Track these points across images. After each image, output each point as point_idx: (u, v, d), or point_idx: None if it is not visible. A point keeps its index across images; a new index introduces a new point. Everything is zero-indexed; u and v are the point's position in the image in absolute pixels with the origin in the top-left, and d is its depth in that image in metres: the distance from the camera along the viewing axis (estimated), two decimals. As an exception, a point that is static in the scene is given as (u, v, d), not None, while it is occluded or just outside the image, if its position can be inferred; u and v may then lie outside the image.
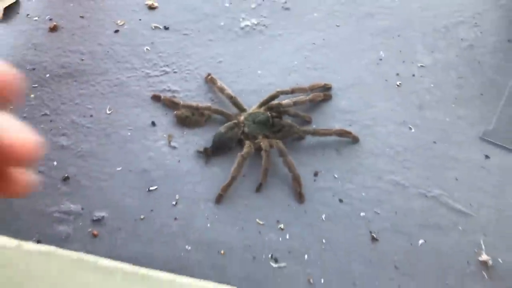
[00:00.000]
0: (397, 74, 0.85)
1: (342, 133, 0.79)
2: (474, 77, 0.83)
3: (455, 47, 0.85)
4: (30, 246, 0.59)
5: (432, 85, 0.82)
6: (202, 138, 0.80)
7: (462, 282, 0.69)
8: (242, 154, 0.76)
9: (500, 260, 0.70)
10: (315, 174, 0.76)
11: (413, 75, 0.83)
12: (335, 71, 0.83)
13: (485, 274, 0.70)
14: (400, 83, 0.84)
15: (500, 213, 0.73)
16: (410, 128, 0.81)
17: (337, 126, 0.80)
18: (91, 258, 0.58)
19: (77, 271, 0.57)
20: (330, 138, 0.78)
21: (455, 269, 0.70)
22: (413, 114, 0.81)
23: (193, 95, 0.82)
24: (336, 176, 0.76)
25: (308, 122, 0.81)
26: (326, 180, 0.75)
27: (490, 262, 0.70)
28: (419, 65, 0.84)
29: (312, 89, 0.82)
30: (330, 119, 0.81)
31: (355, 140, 0.80)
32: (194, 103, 0.80)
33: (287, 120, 0.80)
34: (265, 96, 0.80)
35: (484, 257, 0.71)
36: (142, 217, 0.73)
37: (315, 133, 0.78)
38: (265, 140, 0.78)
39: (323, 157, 0.78)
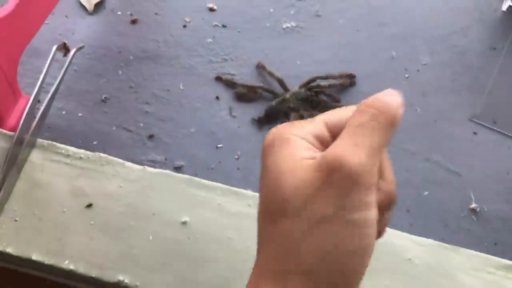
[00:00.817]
0: (406, 69, 0.94)
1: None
2: (464, 74, 1.02)
3: (449, 51, 1.06)
4: (152, 169, 0.79)
5: (432, 79, 1.00)
6: (256, 110, 0.89)
7: (458, 223, 0.89)
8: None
9: (485, 208, 0.89)
10: None
11: (418, 71, 0.94)
12: (357, 65, 0.91)
13: (474, 217, 0.89)
14: (408, 76, 0.93)
15: (485, 174, 0.92)
16: (416, 110, 0.91)
17: None
18: (196, 179, 0.77)
19: (188, 188, 0.76)
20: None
21: (452, 214, 0.80)
22: (419, 99, 0.90)
23: (247, 78, 0.90)
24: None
25: (338, 101, 0.93)
26: None
27: (478, 209, 0.88)
28: (422, 63, 1.00)
29: (341, 76, 0.91)
30: (355, 99, 0.87)
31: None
32: (249, 83, 0.88)
33: (323, 98, 0.94)
34: (304, 80, 0.91)
35: (473, 205, 0.89)
36: (212, 166, 0.84)
37: None
38: (306, 112, 0.98)
39: None
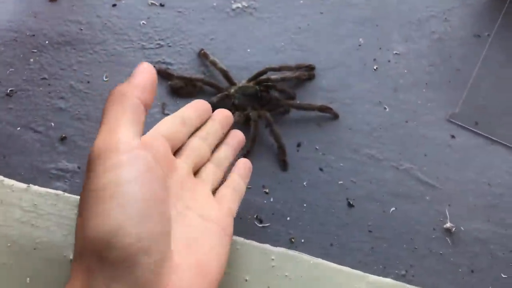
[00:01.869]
0: (374, 59, 0.83)
1: (324, 109, 0.79)
2: (443, 66, 0.86)
3: (427, 38, 0.88)
4: (38, 188, 0.60)
5: (405, 71, 0.84)
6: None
7: (429, 246, 0.72)
8: (233, 122, 0.77)
9: (462, 228, 0.73)
10: (298, 145, 0.76)
11: (389, 61, 0.84)
12: (318, 54, 0.82)
13: (448, 239, 0.73)
14: (376, 68, 0.82)
15: (463, 186, 0.76)
16: (385, 108, 0.80)
17: (319, 102, 0.82)
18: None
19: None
20: (313, 113, 0.75)
21: (423, 235, 0.73)
22: (388, 95, 0.80)
23: (186, 68, 0.79)
24: (317, 147, 0.76)
25: (292, 97, 0.81)
26: (308, 151, 0.75)
27: (453, 229, 0.73)
28: (394, 52, 0.86)
29: (298, 68, 0.79)
30: (312, 96, 0.80)
31: (335, 116, 0.77)
32: (187, 75, 0.77)
33: (274, 94, 0.80)
34: (253, 72, 0.77)
35: (448, 224, 0.74)
36: None
37: (299, 107, 0.79)
38: (254, 111, 0.79)
39: (305, 130, 0.75)
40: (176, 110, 0.82)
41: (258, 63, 0.82)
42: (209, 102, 0.74)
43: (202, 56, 0.80)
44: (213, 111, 0.72)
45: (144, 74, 0.43)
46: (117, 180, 0.33)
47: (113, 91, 0.40)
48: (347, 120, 0.79)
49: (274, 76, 0.77)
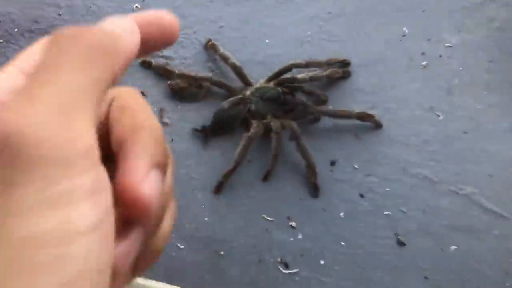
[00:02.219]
0: (423, 54, 0.71)
1: (364, 117, 0.65)
2: (505, 61, 0.68)
3: (484, 27, 0.70)
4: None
5: (460, 68, 0.70)
6: (200, 114, 0.67)
7: (500, 296, 0.54)
8: (249, 135, 0.62)
9: (541, 271, 0.55)
10: (332, 163, 0.65)
11: (440, 56, 0.70)
12: (354, 45, 0.70)
13: (523, 287, 0.55)
14: (426, 64, 0.70)
15: (540, 216, 0.58)
16: (438, 115, 0.67)
17: (356, 108, 0.63)
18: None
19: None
20: (349, 121, 0.64)
21: (492, 281, 0.56)
22: (441, 98, 0.68)
23: (190, 63, 0.69)
24: (356, 166, 0.65)
25: (324, 101, 0.68)
26: (344, 171, 0.64)
27: None
28: (446, 44, 0.71)
29: (329, 64, 0.68)
30: (348, 99, 0.68)
31: (377, 125, 0.66)
32: (191, 73, 0.66)
33: (301, 98, 0.66)
34: (274, 69, 0.66)
35: (524, 267, 0.56)
36: None
37: (332, 114, 0.65)
38: (275, 120, 0.63)
39: (341, 143, 0.65)
40: (177, 118, 0.67)
41: (279, 57, 0.69)
42: (220, 108, 0.61)
43: (210, 48, 0.69)
44: (226, 120, 0.61)
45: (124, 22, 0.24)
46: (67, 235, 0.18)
47: (71, 33, 0.22)
48: (392, 130, 0.67)
49: (300, 75, 0.65)
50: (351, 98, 0.69)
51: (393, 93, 0.69)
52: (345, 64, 0.68)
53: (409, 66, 0.68)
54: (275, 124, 0.63)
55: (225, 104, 0.64)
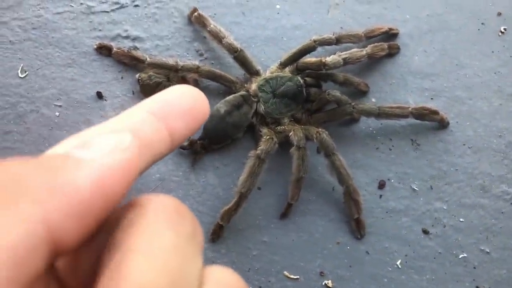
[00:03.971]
0: (499, 14, 0.53)
1: (423, 114, 0.47)
2: None
3: None
4: None
5: None
6: None
7: None
8: (258, 153, 0.43)
9: None
10: (381, 185, 0.47)
11: None
12: (401, 7, 0.53)
13: None
14: (505, 29, 0.53)
15: None
16: None
17: (411, 100, 0.50)
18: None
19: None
20: (402, 121, 0.48)
21: None
22: None
23: (168, 45, 0.50)
24: (415, 188, 0.47)
25: (364, 93, 0.50)
26: (399, 196, 0.47)
27: None
28: None
29: (369, 36, 0.50)
30: (399, 88, 0.50)
31: (442, 123, 0.49)
32: (170, 60, 0.47)
33: (333, 91, 0.47)
34: (290, 48, 0.49)
35: None
36: None
37: (380, 114, 0.46)
38: (296, 127, 0.46)
39: (392, 154, 0.48)
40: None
41: (298, 29, 0.52)
42: (214, 114, 0.46)
43: (196, 21, 0.50)
44: (223, 130, 0.45)
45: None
46: None
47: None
48: (464, 130, 0.49)
49: (330, 57, 0.47)
50: (402, 86, 0.51)
51: (461, 75, 0.52)
52: (391, 35, 0.52)
53: (481, 34, 0.53)
54: (296, 133, 0.44)
55: (221, 106, 0.46)
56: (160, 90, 0.48)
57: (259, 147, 0.44)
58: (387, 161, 0.47)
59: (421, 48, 0.53)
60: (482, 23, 0.54)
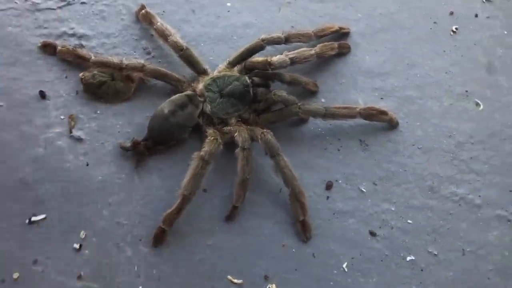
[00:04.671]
0: (451, 14, 0.54)
1: (371, 114, 0.47)
2: None
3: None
4: None
5: (505, 32, 0.53)
6: (128, 121, 0.47)
7: None
8: (201, 154, 0.42)
9: None
10: (329, 186, 0.46)
11: (476, 16, 0.54)
12: (354, 5, 0.53)
13: None
14: (456, 29, 0.53)
15: None
16: (477, 104, 0.50)
17: (361, 100, 0.49)
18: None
19: None
20: (351, 121, 0.47)
21: None
22: (480, 79, 0.51)
23: (114, 43, 0.50)
24: (363, 189, 0.46)
25: (313, 92, 0.49)
26: (346, 196, 0.46)
27: None
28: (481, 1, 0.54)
29: (319, 35, 0.49)
30: (349, 87, 0.50)
31: (392, 124, 0.48)
32: (115, 59, 0.46)
33: (280, 91, 0.46)
34: (239, 47, 0.48)
35: None
36: (15, 276, 0.41)
37: (326, 114, 0.45)
38: (242, 127, 0.45)
39: (340, 155, 0.47)
40: (95, 128, 0.46)
41: (248, 27, 0.51)
42: (158, 114, 0.45)
43: (143, 19, 0.49)
44: (168, 130, 0.44)
45: None
46: None
47: None
48: (413, 130, 0.49)
49: (277, 56, 0.46)
50: (352, 86, 0.51)
51: (411, 74, 0.52)
52: (342, 34, 0.51)
53: (433, 33, 0.54)
54: (240, 134, 0.44)
55: (165, 106, 0.45)
56: (104, 89, 0.47)
57: (203, 148, 0.43)
58: (335, 161, 0.47)
59: (372, 47, 0.52)
60: (435, 22, 0.54)
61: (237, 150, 0.43)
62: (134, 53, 0.49)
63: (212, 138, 0.43)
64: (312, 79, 0.49)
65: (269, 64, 0.45)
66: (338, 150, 0.48)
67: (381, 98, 0.50)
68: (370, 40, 0.52)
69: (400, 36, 0.52)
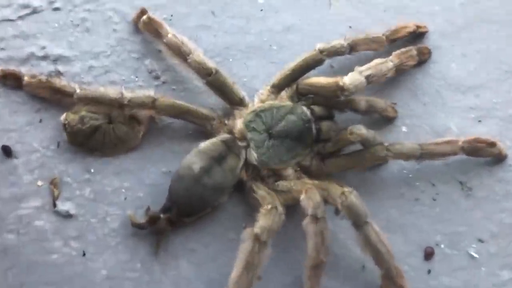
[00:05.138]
0: None
1: (477, 148, 0.34)
2: None
3: None
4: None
5: None
6: (138, 181, 0.34)
7: None
8: (256, 232, 0.29)
9: None
10: (428, 255, 0.34)
11: None
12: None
13: None
14: None
15: None
16: None
17: (453, 126, 0.36)
18: None
19: None
20: (447, 159, 0.34)
21: None
22: None
23: (107, 66, 0.36)
24: (473, 253, 0.33)
25: (390, 119, 0.36)
26: (453, 266, 0.33)
27: None
28: None
29: (393, 38, 0.36)
30: (435, 108, 0.37)
31: (500, 157, 0.35)
32: (112, 91, 0.32)
33: (358, 127, 0.33)
34: (285, 60, 0.36)
35: None
36: None
37: (423, 154, 0.33)
38: (308, 184, 0.31)
39: (437, 207, 0.35)
40: (90, 197, 0.33)
41: (290, 32, 0.38)
42: (182, 173, 0.31)
43: (146, 29, 0.36)
44: (199, 195, 0.31)
45: None
46: None
47: None
48: None
49: (349, 77, 0.32)
50: (440, 106, 0.38)
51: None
52: (419, 33, 0.39)
53: None
54: (309, 196, 0.30)
55: (195, 161, 0.31)
56: (98, 137, 0.32)
57: (257, 223, 0.28)
58: (431, 217, 0.34)
59: (458, 50, 0.39)
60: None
61: (306, 221, 0.30)
62: (137, 79, 0.35)
63: (270, 206, 0.30)
64: (387, 99, 0.35)
65: (341, 89, 0.31)
66: (434, 200, 0.35)
67: (479, 121, 0.37)
68: (453, 41, 0.39)
69: (490, 33, 0.40)
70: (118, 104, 0.32)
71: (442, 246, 0.34)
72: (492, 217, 0.36)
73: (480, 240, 0.35)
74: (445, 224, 0.35)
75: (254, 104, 0.34)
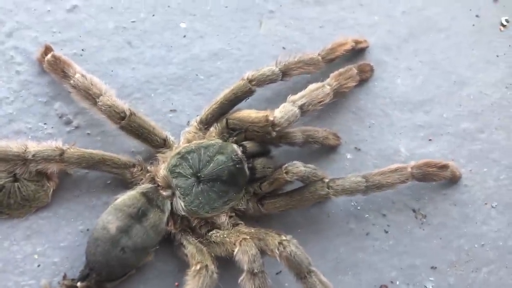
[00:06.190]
0: (496, 0, 0.38)
1: (428, 174, 0.31)
2: None
3: None
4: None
5: None
6: (51, 244, 0.29)
7: None
8: None
9: None
10: None
11: None
12: (364, 4, 0.37)
13: None
14: (506, 20, 0.38)
15: None
16: None
17: (402, 147, 0.33)
18: None
19: None
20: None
21: None
22: None
23: (10, 114, 0.31)
24: (431, 286, 0.30)
25: (333, 147, 0.33)
26: None
27: None
28: None
29: (329, 58, 0.33)
30: (382, 129, 0.34)
31: (454, 179, 0.32)
32: (14, 145, 0.27)
33: (294, 164, 0.29)
34: (211, 90, 0.33)
35: None
36: None
37: (368, 187, 0.29)
38: (244, 234, 0.28)
39: (390, 239, 0.31)
40: None
41: (218, 59, 0.34)
42: (97, 234, 0.27)
43: (51, 69, 0.31)
44: (118, 259, 0.26)
45: None
46: None
47: None
48: (482, 180, 0.33)
49: (279, 111, 0.29)
50: (385, 126, 0.35)
51: (464, 96, 0.36)
52: (358, 49, 0.35)
53: (479, 31, 0.38)
54: (244, 249, 0.26)
55: (110, 220, 0.27)
56: (2, 198, 0.27)
57: (187, 285, 0.24)
58: (384, 251, 0.30)
59: (403, 63, 0.36)
60: (477, 16, 0.38)
61: (243, 278, 0.26)
62: (45, 126, 0.30)
63: (199, 265, 0.26)
64: (327, 126, 0.32)
65: (272, 124, 0.27)
66: (386, 232, 0.31)
67: (429, 140, 0.34)
68: (397, 53, 0.35)
69: (436, 42, 0.36)
70: (21, 160, 0.28)
71: (398, 282, 0.30)
72: (449, 245, 0.32)
73: (438, 272, 0.31)
74: (400, 257, 0.31)
75: (180, 143, 0.30)
